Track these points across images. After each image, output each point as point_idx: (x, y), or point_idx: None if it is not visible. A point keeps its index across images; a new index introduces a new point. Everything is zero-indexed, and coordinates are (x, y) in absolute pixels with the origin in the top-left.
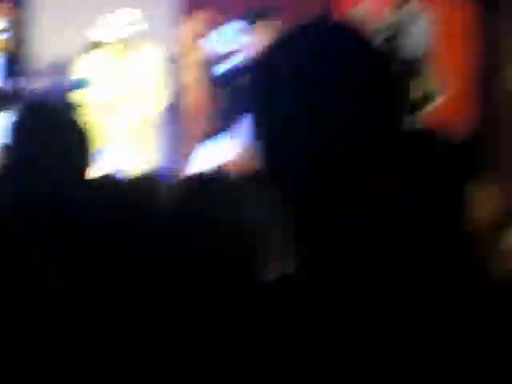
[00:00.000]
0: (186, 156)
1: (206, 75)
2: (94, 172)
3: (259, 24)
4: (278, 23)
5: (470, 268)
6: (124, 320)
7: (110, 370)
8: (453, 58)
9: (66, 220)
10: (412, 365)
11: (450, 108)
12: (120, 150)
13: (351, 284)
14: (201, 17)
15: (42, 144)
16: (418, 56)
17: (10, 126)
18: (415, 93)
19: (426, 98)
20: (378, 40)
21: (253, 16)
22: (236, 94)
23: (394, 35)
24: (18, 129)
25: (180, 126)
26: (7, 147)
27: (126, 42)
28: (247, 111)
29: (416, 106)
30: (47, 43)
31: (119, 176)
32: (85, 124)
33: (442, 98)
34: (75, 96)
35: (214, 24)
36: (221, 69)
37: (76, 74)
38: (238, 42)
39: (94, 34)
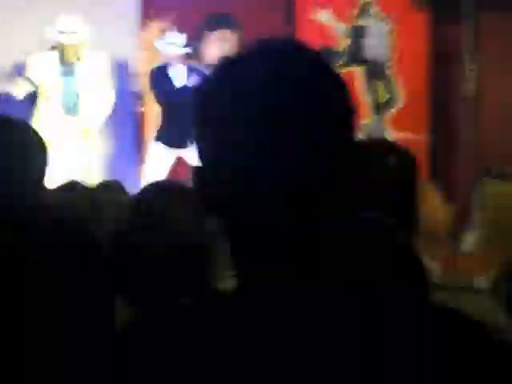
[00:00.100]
0: (140, 163)
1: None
2: (49, 182)
3: (217, 32)
4: (237, 32)
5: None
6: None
7: None
8: (408, 67)
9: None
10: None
11: (406, 115)
12: (72, 158)
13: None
14: (158, 25)
15: None
16: (380, 60)
17: None
18: (379, 95)
19: (390, 101)
20: (342, 45)
21: (211, 24)
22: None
23: (357, 39)
24: None
25: (137, 132)
26: None
27: (74, 47)
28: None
29: (380, 108)
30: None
31: (75, 185)
32: (36, 134)
33: (399, 103)
34: (25, 104)
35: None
36: (166, 84)
37: (25, 78)
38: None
39: (43, 38)
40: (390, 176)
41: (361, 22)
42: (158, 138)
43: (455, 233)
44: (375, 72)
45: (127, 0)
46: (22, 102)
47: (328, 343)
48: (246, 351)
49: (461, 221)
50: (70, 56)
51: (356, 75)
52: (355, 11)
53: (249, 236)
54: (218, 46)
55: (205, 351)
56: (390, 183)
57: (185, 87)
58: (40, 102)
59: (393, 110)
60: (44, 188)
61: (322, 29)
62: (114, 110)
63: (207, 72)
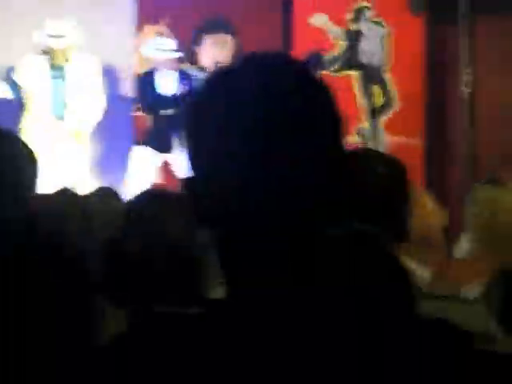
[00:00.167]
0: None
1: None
2: (40, 187)
3: (214, 36)
4: (233, 37)
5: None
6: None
7: None
8: (404, 70)
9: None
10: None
11: (401, 119)
12: (63, 162)
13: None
14: (153, 29)
15: None
16: (376, 64)
17: None
18: (376, 98)
19: (386, 104)
20: (337, 49)
21: (208, 27)
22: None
23: (353, 43)
24: None
25: (132, 136)
26: None
27: (63, 51)
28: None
29: (377, 112)
30: None
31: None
32: (25, 146)
33: (395, 107)
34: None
35: (167, 36)
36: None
37: (9, 81)
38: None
39: (33, 42)
40: (379, 185)
41: (356, 26)
42: (144, 143)
43: (450, 238)
44: (371, 76)
45: (124, 3)
46: (9, 106)
47: (327, 347)
48: (247, 358)
49: (456, 226)
50: (59, 60)
51: (352, 79)
52: (351, 15)
53: (242, 246)
54: (215, 50)
55: (204, 360)
56: (380, 192)
57: (171, 93)
58: (29, 106)
59: (389, 114)
60: (34, 197)
61: (318, 32)
62: (110, 114)
63: (201, 77)
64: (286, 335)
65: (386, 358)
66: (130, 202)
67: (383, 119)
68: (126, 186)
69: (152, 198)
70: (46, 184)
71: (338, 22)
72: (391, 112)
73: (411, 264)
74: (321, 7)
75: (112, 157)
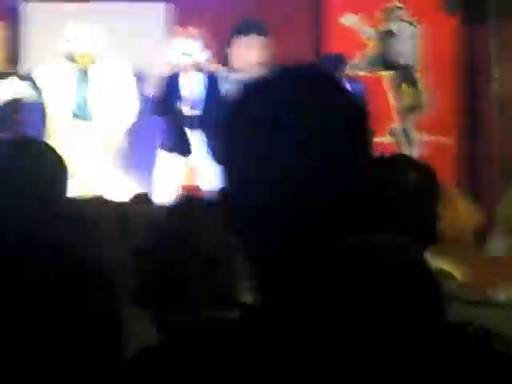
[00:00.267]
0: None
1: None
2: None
3: (247, 38)
4: (266, 38)
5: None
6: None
7: None
8: (437, 70)
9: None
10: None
11: (434, 118)
12: (92, 169)
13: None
14: (185, 32)
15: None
16: (409, 63)
17: None
18: (408, 98)
19: (418, 104)
20: (370, 49)
21: (241, 29)
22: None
23: (385, 43)
24: None
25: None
26: None
27: (86, 56)
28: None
29: (409, 112)
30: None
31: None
32: (54, 153)
33: (428, 107)
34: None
35: (201, 40)
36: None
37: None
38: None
39: (61, 46)
40: (409, 190)
41: (388, 26)
42: (163, 145)
43: (484, 238)
44: (404, 76)
45: (158, 7)
46: (32, 112)
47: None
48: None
49: (490, 226)
50: (82, 64)
51: (384, 79)
52: (383, 15)
53: (274, 253)
54: (247, 52)
55: (240, 368)
56: (410, 197)
57: (196, 95)
58: (52, 110)
59: (421, 114)
60: (67, 203)
61: (349, 33)
62: (142, 117)
63: (233, 78)
64: (319, 339)
65: (409, 364)
66: (167, 209)
67: (415, 119)
68: (154, 188)
69: (187, 203)
70: (76, 187)
71: (370, 21)
72: (423, 112)
73: (443, 265)
74: (352, 7)
75: (140, 160)
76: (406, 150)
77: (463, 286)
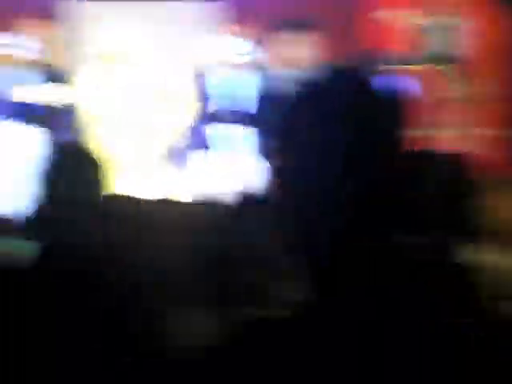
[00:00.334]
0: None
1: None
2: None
3: (289, 35)
4: (309, 35)
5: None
6: None
7: None
8: (488, 62)
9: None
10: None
11: (487, 111)
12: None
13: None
14: (239, 31)
15: (67, 180)
16: (458, 56)
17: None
18: (459, 91)
19: (470, 97)
20: (417, 45)
21: (284, 26)
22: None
23: (433, 37)
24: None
25: None
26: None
27: (122, 54)
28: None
29: (461, 105)
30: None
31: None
32: (94, 156)
33: (480, 99)
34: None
35: (253, 38)
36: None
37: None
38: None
39: (108, 46)
40: (446, 188)
41: (436, 19)
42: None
43: None
44: (453, 69)
45: (211, 5)
46: (65, 113)
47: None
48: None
49: None
50: (130, 65)
51: (435, 73)
52: (429, 8)
53: (321, 254)
54: (292, 49)
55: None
56: (447, 195)
57: (244, 94)
58: (98, 112)
59: (472, 106)
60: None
61: (391, 29)
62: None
63: (281, 75)
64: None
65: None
66: (228, 208)
67: (466, 112)
68: (206, 187)
69: (240, 203)
70: (128, 187)
71: (418, 14)
72: (474, 104)
73: (494, 256)
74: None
75: (194, 158)
76: (459, 143)
77: None
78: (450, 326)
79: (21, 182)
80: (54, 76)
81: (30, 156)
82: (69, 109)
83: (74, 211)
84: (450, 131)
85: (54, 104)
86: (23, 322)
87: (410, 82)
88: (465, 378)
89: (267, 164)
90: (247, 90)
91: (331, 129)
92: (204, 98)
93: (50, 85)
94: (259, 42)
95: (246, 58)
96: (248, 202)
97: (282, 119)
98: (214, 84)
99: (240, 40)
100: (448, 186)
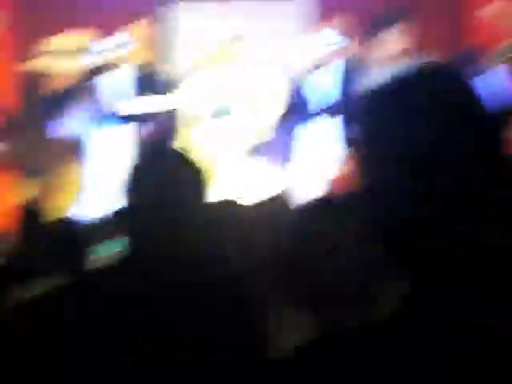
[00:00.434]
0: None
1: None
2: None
3: (389, 28)
4: (408, 29)
5: None
6: None
7: None
8: None
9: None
10: None
11: None
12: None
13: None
14: (329, 23)
15: (160, 183)
16: None
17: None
18: None
19: None
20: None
21: (383, 20)
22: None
23: None
24: (136, 172)
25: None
26: (127, 190)
27: (233, 53)
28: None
29: None
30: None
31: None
32: (191, 159)
33: None
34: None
35: (343, 30)
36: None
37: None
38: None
39: (202, 46)
40: None
41: None
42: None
43: None
44: None
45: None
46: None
47: None
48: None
49: None
50: (223, 63)
51: None
52: None
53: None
54: (392, 42)
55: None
56: None
57: (334, 88)
58: (194, 113)
59: None
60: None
61: (490, 24)
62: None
63: (377, 69)
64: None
65: None
66: (307, 208)
67: None
68: (297, 183)
69: (318, 205)
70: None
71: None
72: None
73: None
74: None
75: (284, 155)
76: None
77: None
78: None
79: (116, 185)
80: (154, 79)
81: (127, 159)
82: (168, 112)
83: (174, 214)
84: None
85: (154, 111)
86: (111, 322)
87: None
88: None
89: (355, 158)
90: (338, 86)
91: (423, 125)
92: (294, 95)
93: (153, 95)
94: (351, 37)
95: (338, 54)
96: (338, 200)
97: (374, 114)
98: (305, 81)
99: (331, 36)
100: None
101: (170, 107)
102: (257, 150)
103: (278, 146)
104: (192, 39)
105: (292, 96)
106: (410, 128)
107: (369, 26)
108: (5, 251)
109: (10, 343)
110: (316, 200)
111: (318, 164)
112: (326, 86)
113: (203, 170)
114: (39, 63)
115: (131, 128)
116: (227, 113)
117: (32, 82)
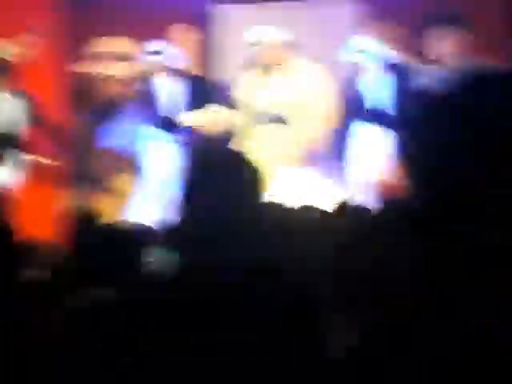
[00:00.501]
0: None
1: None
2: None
3: (440, 29)
4: (460, 30)
5: None
6: None
7: None
8: None
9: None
10: None
11: None
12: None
13: None
14: (369, 29)
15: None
16: None
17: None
18: None
19: None
20: None
21: (435, 21)
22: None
23: None
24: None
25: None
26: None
27: (280, 58)
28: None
29: None
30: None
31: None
32: (250, 162)
33: None
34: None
35: (385, 36)
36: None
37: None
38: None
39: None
40: None
41: None
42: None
43: None
44: None
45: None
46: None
47: None
48: None
49: None
50: (270, 67)
51: None
52: None
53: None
54: (443, 44)
55: None
56: None
57: (380, 91)
58: (246, 118)
59: None
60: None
61: None
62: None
63: (429, 71)
64: None
65: None
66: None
67: None
68: (350, 191)
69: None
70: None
71: None
72: None
73: None
74: None
75: (336, 162)
76: None
77: None
78: None
79: (168, 194)
80: (206, 87)
81: (180, 169)
82: (222, 121)
83: (229, 220)
84: None
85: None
86: (159, 332)
87: None
88: None
89: (408, 164)
90: (393, 90)
91: (475, 131)
92: (349, 100)
93: (205, 104)
94: (402, 40)
95: (387, 57)
96: (391, 209)
97: (429, 119)
98: (359, 85)
99: (382, 39)
100: None
101: (223, 116)
102: (311, 159)
103: (332, 154)
104: (243, 44)
105: (345, 101)
106: (463, 133)
107: (420, 29)
108: (54, 261)
109: (59, 352)
110: (389, 210)
111: (371, 169)
112: (376, 91)
113: (262, 176)
114: (90, 67)
115: (184, 137)
116: (282, 121)
117: (82, 89)
